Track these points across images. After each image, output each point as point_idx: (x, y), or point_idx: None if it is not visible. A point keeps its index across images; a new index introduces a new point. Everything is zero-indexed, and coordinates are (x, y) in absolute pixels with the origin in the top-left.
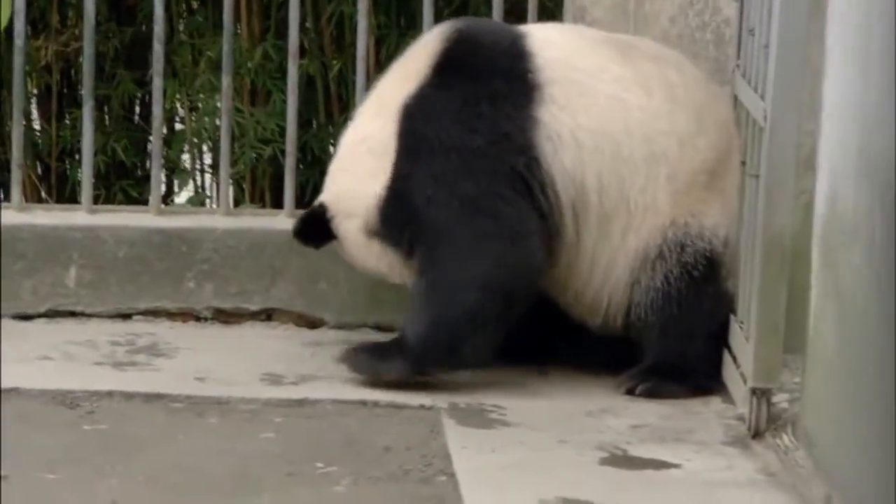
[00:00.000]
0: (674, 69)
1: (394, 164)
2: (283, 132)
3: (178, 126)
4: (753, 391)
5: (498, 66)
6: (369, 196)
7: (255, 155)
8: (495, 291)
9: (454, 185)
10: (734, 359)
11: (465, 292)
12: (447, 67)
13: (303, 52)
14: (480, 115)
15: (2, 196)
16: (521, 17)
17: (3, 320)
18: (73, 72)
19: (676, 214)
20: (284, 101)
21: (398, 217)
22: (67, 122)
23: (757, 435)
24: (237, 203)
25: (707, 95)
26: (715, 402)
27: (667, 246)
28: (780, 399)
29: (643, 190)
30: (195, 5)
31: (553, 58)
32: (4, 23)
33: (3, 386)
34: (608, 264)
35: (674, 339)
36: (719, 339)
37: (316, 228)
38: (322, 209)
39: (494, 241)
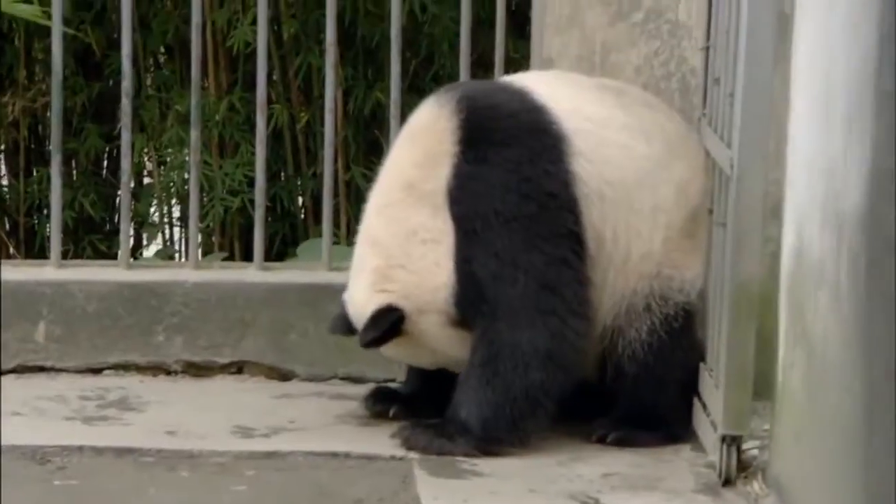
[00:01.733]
0: (664, 115)
1: (455, 251)
2: (250, 182)
3: (146, 180)
4: (724, 438)
5: (522, 125)
6: (440, 289)
7: (223, 208)
8: (557, 366)
9: (518, 257)
10: (704, 406)
11: (528, 369)
12: (474, 140)
13: (270, 104)
14: (527, 179)
15: None
16: (488, 69)
17: None
18: (40, 127)
19: (663, 264)
20: (252, 153)
21: (470, 301)
22: (35, 177)
23: (728, 482)
24: (206, 252)
25: (693, 140)
26: (685, 450)
27: (653, 298)
28: (751, 446)
29: (644, 238)
30: (162, 60)
31: (566, 109)
32: None
33: None
34: (599, 312)
35: (647, 389)
36: (690, 388)
37: (389, 331)
38: (391, 310)
39: (555, 316)
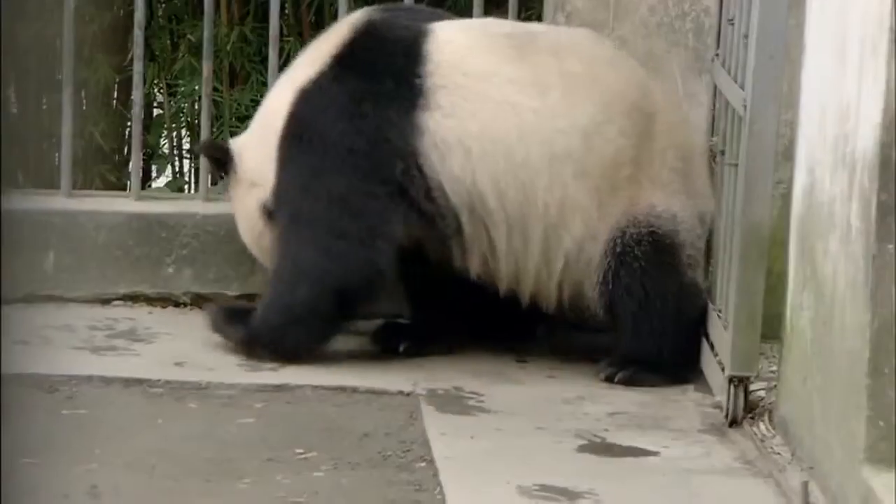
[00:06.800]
0: (576, 58)
1: (279, 147)
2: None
3: (156, 111)
4: (731, 379)
5: (391, 67)
6: (268, 180)
7: (232, 135)
8: (327, 289)
9: (328, 179)
10: (712, 347)
11: (298, 285)
12: (345, 59)
13: (282, 37)
14: (364, 116)
15: None
16: (501, 4)
17: None
18: (50, 56)
19: (611, 208)
20: (263, 83)
21: (279, 200)
22: (45, 106)
23: (734, 423)
24: (215, 182)
25: (617, 79)
26: (692, 391)
27: (615, 241)
28: (758, 387)
29: (549, 190)
30: None
31: (446, 61)
32: None
33: None
34: (544, 261)
35: (644, 329)
36: (693, 327)
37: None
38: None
39: (344, 241)
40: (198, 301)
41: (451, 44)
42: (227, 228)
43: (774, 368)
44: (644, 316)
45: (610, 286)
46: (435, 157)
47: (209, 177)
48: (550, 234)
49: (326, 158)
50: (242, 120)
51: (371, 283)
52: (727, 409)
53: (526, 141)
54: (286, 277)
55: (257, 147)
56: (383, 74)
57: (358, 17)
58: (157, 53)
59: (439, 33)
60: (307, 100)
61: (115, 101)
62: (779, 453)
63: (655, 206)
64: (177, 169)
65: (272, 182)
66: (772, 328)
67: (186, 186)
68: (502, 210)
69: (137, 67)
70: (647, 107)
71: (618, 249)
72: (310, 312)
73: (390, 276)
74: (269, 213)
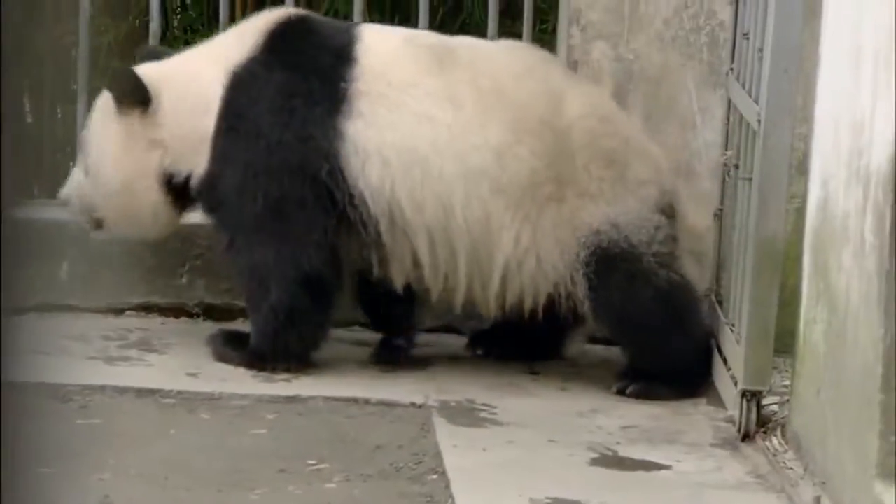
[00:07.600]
0: (488, 74)
1: (214, 136)
2: None
3: None
4: (744, 393)
5: (320, 64)
6: (200, 165)
7: None
8: (293, 284)
9: (262, 179)
10: (725, 361)
11: (268, 289)
12: (277, 45)
13: None
14: (293, 111)
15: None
16: (516, 18)
17: None
18: (65, 66)
19: (544, 226)
20: None
21: (211, 201)
22: (60, 115)
23: (747, 437)
24: None
25: (526, 96)
26: (704, 404)
27: (573, 263)
28: (770, 401)
29: (467, 206)
30: (189, 1)
31: (371, 69)
32: None
33: None
34: (477, 274)
35: (637, 343)
36: (689, 327)
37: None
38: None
39: (286, 243)
40: (210, 312)
41: (380, 51)
42: None
43: (787, 383)
44: (630, 331)
45: (590, 304)
46: (355, 164)
47: None
48: (480, 249)
49: (259, 154)
50: None
51: (320, 282)
52: (739, 424)
53: (441, 155)
54: (254, 286)
55: (182, 116)
56: (312, 71)
57: (295, 11)
58: None
59: (367, 38)
60: (241, 88)
61: None
62: (791, 468)
63: (591, 224)
64: None
65: (202, 169)
66: (784, 343)
67: None
68: (422, 222)
69: None
70: (559, 123)
71: (580, 271)
72: (292, 311)
73: (330, 278)
74: (169, 181)
